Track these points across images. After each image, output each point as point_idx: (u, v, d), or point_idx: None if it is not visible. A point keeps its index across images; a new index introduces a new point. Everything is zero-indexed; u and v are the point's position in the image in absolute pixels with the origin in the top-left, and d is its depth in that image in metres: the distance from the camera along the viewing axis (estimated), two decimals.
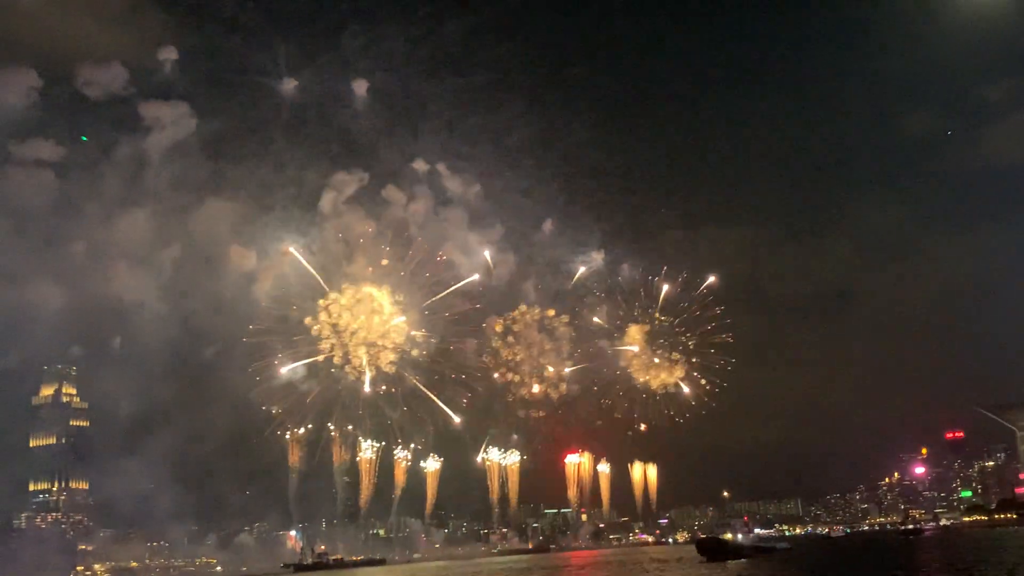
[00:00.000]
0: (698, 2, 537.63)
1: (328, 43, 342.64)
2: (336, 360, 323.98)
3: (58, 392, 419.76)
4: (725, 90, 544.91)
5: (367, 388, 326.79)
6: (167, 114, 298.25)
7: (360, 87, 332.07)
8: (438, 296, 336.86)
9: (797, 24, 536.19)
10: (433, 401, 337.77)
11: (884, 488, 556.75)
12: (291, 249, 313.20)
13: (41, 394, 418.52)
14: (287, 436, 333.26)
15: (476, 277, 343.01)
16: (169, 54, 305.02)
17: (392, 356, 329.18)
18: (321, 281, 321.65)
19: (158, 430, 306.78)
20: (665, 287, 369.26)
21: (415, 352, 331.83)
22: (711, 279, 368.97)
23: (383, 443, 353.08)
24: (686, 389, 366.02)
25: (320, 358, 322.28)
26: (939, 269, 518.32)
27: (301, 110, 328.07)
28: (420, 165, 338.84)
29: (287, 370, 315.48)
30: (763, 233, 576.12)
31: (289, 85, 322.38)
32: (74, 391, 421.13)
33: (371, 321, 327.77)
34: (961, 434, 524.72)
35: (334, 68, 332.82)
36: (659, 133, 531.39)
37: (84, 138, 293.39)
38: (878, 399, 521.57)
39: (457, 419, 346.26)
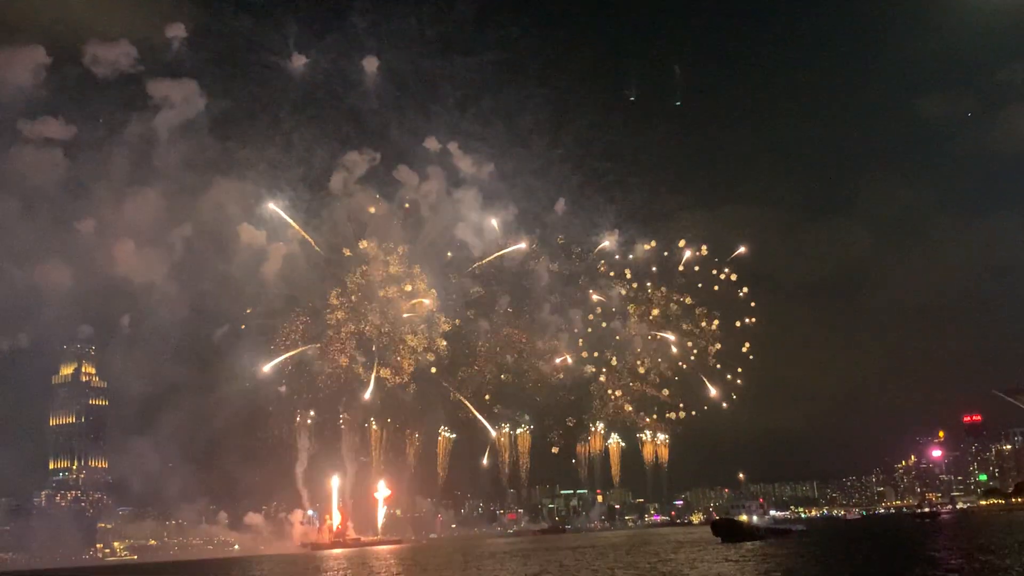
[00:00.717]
0: None
1: (338, 22, 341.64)
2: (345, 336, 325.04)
3: (77, 371, 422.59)
4: (741, 71, 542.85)
5: (368, 393, 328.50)
6: (176, 93, 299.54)
7: (371, 64, 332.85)
8: (482, 259, 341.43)
9: (815, 5, 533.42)
10: (445, 385, 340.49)
11: (901, 471, 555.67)
12: (272, 205, 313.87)
13: (61, 373, 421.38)
14: (296, 418, 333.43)
15: (522, 246, 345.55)
16: (178, 32, 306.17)
17: (413, 340, 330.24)
18: (314, 245, 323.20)
19: (170, 410, 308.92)
20: (687, 253, 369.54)
21: (419, 339, 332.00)
22: (741, 249, 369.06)
23: (397, 425, 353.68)
24: (712, 391, 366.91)
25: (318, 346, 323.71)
26: (955, 252, 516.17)
27: (311, 89, 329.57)
28: (432, 145, 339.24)
29: (269, 368, 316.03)
30: (778, 215, 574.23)
31: (299, 63, 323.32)
32: (93, 370, 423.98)
33: (390, 305, 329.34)
34: (979, 417, 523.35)
35: (344, 47, 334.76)
36: (672, 114, 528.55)
37: (101, 120, 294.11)
38: (895, 382, 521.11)
39: (493, 432, 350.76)
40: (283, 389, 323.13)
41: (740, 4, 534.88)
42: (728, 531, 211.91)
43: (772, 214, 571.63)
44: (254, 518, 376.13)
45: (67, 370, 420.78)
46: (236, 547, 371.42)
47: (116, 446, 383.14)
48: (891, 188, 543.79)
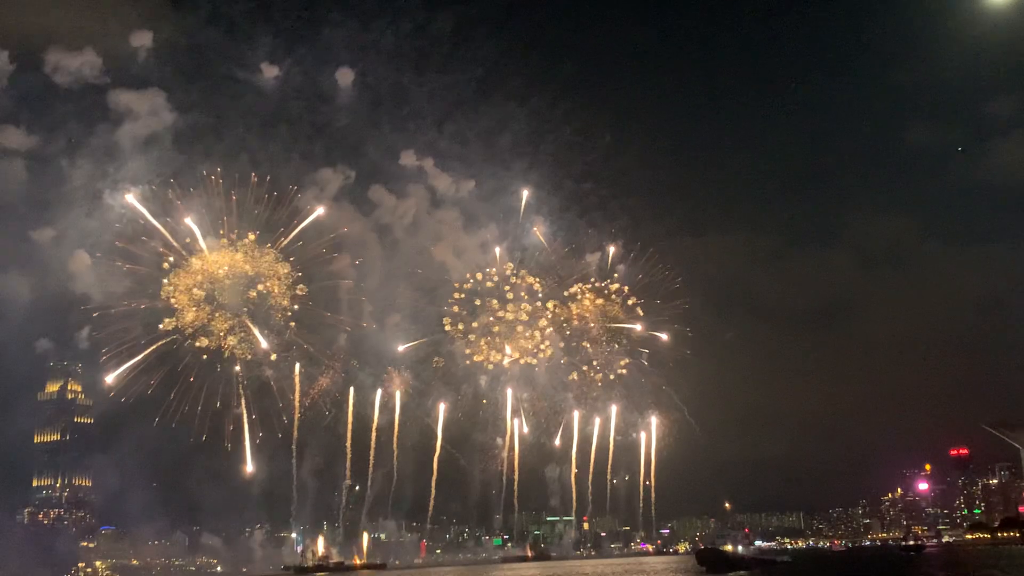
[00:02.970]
0: (701, 4, 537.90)
1: (311, 36, 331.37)
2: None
3: (63, 389, 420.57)
4: (725, 96, 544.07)
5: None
6: (142, 104, 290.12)
7: (345, 78, 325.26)
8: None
9: (802, 32, 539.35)
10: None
11: (887, 503, 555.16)
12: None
13: (46, 390, 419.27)
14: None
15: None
16: (144, 41, 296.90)
17: None
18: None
19: (136, 427, 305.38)
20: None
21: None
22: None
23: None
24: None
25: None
26: (943, 283, 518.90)
27: (282, 103, 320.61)
28: (408, 161, 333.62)
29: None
30: (763, 242, 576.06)
31: (270, 74, 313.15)
32: (79, 388, 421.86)
33: None
34: (966, 451, 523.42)
35: (317, 61, 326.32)
36: (656, 137, 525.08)
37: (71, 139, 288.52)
38: (882, 413, 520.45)
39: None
40: (238, 411, 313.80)
41: (726, 31, 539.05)
42: (713, 561, 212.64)
43: (757, 242, 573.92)
44: (212, 540, 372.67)
45: (53, 387, 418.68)
46: (219, 568, 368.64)
47: (98, 464, 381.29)
48: (878, 217, 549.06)
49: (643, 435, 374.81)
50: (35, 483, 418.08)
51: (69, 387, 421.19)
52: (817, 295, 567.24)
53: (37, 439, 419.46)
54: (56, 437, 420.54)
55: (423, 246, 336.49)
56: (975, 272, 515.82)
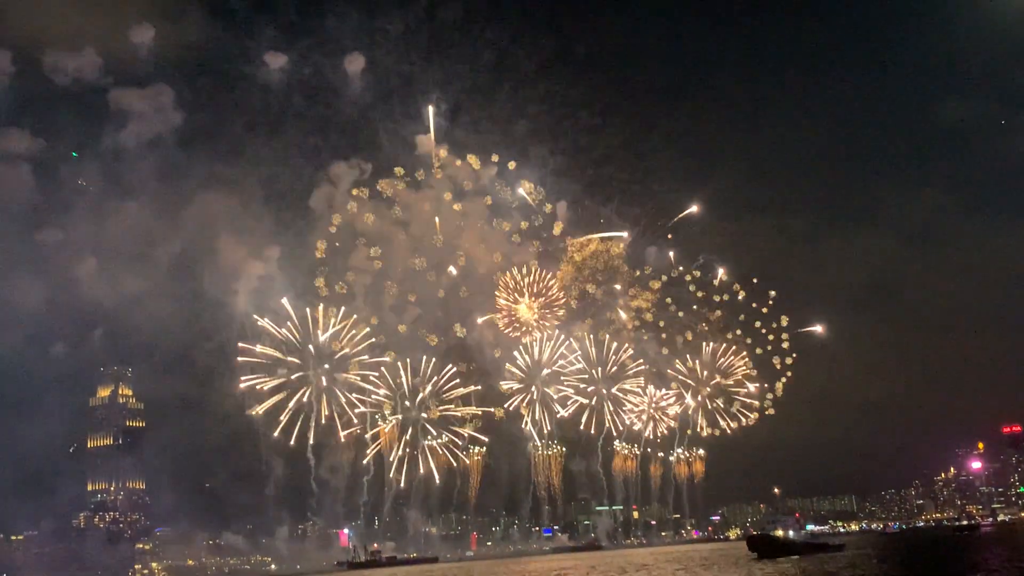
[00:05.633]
0: None
1: (320, 26, 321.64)
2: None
3: (114, 393, 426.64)
4: (755, 74, 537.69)
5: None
6: (145, 103, 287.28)
7: (354, 64, 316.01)
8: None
9: (832, 9, 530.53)
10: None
11: (940, 484, 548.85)
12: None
13: (98, 395, 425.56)
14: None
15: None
16: (144, 38, 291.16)
17: None
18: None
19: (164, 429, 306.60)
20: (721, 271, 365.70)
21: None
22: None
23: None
24: (751, 387, 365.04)
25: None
26: (986, 257, 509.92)
27: (290, 97, 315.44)
28: (422, 151, 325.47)
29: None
30: (798, 223, 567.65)
31: (276, 64, 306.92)
32: (130, 392, 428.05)
33: None
34: (1019, 428, 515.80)
35: (327, 53, 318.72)
36: (679, 120, 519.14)
37: (75, 154, 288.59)
38: (932, 393, 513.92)
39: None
40: (254, 413, 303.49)
41: (755, 8, 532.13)
42: (764, 547, 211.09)
43: (795, 222, 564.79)
44: (229, 538, 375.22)
45: (104, 392, 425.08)
46: (273, 567, 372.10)
47: (150, 467, 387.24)
48: (914, 193, 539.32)
49: (690, 422, 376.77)
50: (90, 487, 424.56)
51: (120, 391, 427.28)
52: (858, 275, 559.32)
53: (91, 444, 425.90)
54: (109, 441, 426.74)
55: (445, 238, 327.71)
56: (1017, 246, 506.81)
